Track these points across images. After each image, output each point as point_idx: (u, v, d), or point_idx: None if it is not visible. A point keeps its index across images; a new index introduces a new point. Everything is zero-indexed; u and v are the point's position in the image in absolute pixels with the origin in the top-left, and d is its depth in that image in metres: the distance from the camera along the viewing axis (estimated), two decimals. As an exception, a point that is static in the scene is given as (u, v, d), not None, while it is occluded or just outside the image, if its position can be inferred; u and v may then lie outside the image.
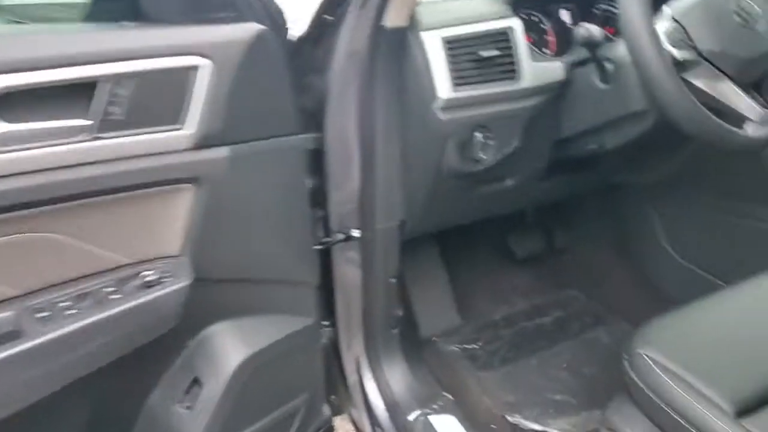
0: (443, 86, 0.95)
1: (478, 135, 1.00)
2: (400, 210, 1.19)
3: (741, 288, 1.01)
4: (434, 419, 1.24)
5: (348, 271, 1.28)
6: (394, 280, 1.27)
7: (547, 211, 1.75)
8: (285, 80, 0.87)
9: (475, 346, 1.52)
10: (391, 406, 1.28)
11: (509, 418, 1.29)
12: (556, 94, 1.08)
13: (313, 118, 1.13)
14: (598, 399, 1.32)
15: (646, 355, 0.87)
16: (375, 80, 1.06)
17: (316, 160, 1.15)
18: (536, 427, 1.27)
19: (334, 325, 1.34)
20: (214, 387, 0.86)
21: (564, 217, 1.81)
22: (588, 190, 1.53)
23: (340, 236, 1.23)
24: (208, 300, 0.87)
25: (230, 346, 0.89)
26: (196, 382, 0.88)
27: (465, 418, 1.27)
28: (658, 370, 0.85)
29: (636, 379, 0.87)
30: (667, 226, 1.53)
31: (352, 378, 1.36)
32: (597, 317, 1.59)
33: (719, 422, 0.77)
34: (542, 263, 1.78)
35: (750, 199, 1.32)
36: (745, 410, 0.80)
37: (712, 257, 1.45)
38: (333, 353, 1.40)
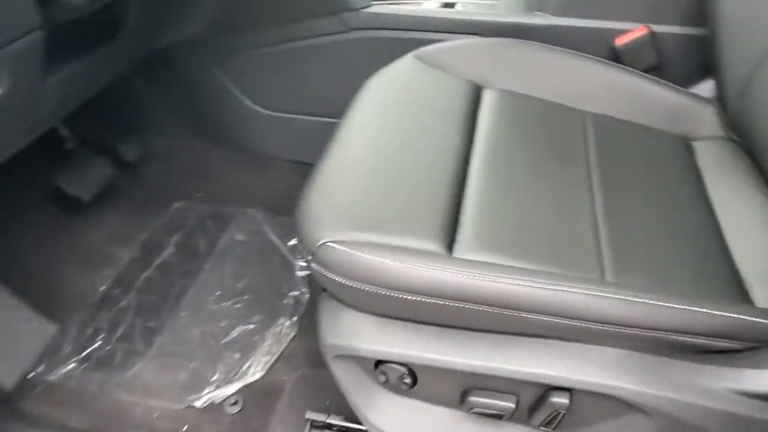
0: None
1: None
2: None
3: (349, 122, 0.84)
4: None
5: None
6: None
7: (93, 124, 1.26)
8: None
9: (95, 346, 1.04)
10: None
11: (197, 404, 0.94)
12: None
13: None
14: (275, 304, 1.10)
15: (332, 243, 0.63)
16: None
17: None
18: (232, 388, 0.96)
19: None
20: None
21: (120, 121, 1.35)
22: (130, 71, 1.10)
23: None
24: None
25: None
26: None
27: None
28: (355, 252, 0.62)
29: (333, 275, 0.64)
30: (240, 82, 1.28)
31: None
32: (222, 221, 1.29)
33: (440, 269, 0.61)
34: (123, 190, 1.32)
35: (287, 20, 1.16)
36: (450, 242, 0.67)
37: (288, 96, 1.29)
38: None
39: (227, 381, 0.97)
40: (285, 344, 1.03)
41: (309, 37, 1.16)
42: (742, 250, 0.73)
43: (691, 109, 0.93)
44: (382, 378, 0.65)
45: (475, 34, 1.06)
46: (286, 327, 1.06)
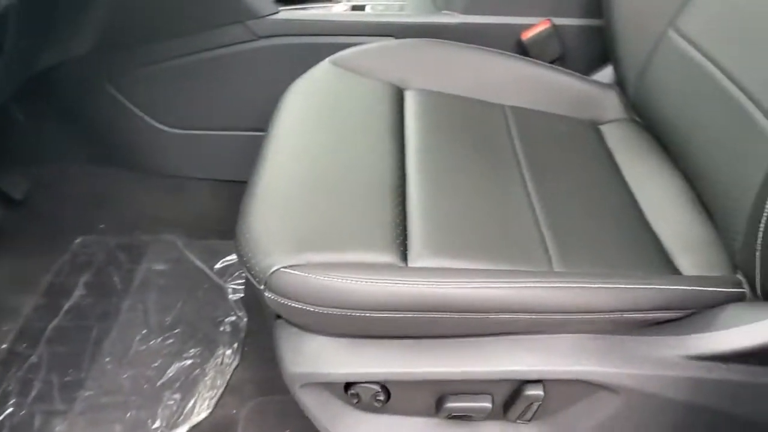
0: None
1: None
2: None
3: (276, 136, 0.80)
4: None
5: None
6: None
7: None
8: None
9: (6, 413, 0.92)
10: None
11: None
12: None
13: None
14: (210, 333, 1.03)
15: (285, 269, 0.60)
16: None
17: None
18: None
19: None
20: None
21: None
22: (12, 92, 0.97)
23: None
24: None
25: None
26: None
27: None
28: (311, 275, 0.60)
29: (290, 302, 0.60)
30: (139, 100, 1.17)
31: None
32: (135, 251, 1.19)
33: (400, 282, 0.60)
34: (14, 230, 1.17)
35: (187, 31, 1.09)
36: (403, 251, 0.66)
37: (195, 111, 1.21)
38: None
39: (171, 426, 0.90)
40: (229, 375, 0.97)
41: (213, 48, 1.09)
42: (661, 223, 0.79)
43: (595, 95, 1.00)
44: (354, 399, 0.63)
45: (388, 35, 1.05)
46: (227, 356, 1.00)
